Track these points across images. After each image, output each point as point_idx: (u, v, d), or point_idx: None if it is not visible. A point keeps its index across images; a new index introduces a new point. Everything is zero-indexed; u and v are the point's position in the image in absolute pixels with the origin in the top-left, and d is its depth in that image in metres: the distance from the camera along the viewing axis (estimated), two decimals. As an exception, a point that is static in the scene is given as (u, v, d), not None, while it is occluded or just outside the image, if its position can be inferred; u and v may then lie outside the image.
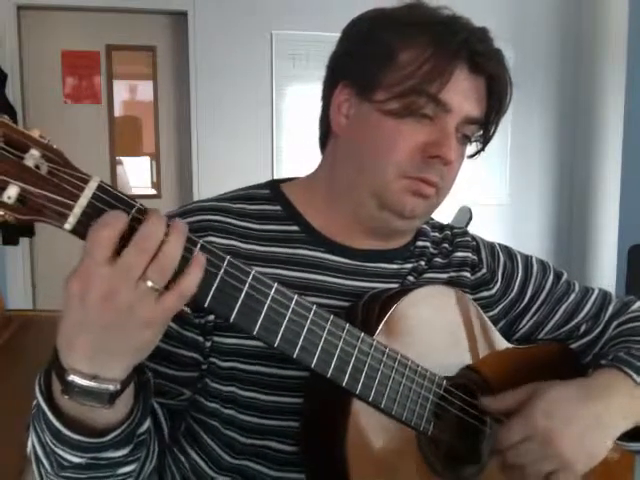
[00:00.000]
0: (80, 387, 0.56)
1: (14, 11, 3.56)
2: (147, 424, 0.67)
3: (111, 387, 0.57)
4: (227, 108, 3.80)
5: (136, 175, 3.99)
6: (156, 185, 3.97)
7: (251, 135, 3.85)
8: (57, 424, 0.60)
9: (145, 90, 3.92)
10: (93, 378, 0.56)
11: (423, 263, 0.89)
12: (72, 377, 0.55)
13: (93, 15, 3.72)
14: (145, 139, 3.97)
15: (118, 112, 3.88)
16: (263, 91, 3.86)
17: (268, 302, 0.62)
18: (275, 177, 0.95)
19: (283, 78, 3.86)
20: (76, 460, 0.62)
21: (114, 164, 3.88)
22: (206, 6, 3.71)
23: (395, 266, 0.87)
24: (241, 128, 3.83)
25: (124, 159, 3.94)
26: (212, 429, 0.81)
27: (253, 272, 0.61)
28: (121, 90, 3.89)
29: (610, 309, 0.96)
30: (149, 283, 0.54)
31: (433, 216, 0.92)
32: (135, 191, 3.98)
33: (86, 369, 0.56)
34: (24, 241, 3.60)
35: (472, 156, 0.86)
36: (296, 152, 3.82)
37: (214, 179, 3.75)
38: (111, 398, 0.57)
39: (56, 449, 0.62)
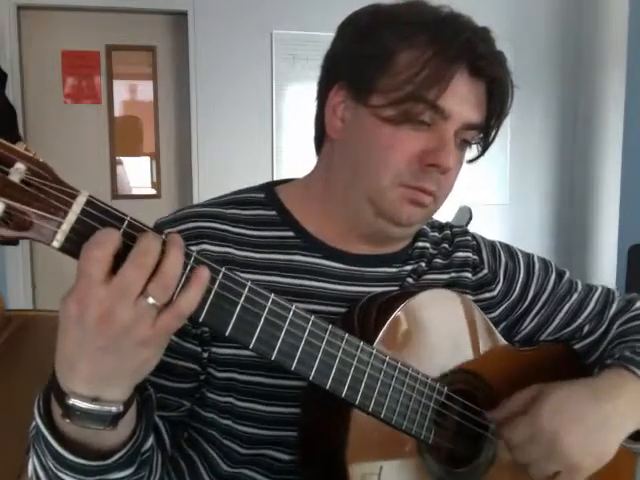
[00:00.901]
0: (81, 410, 0.54)
1: (14, 11, 3.55)
2: (150, 441, 0.66)
3: (114, 409, 0.55)
4: (227, 108, 3.80)
5: (136, 175, 3.98)
6: (156, 185, 3.96)
7: (251, 135, 3.85)
8: (59, 448, 0.58)
9: (145, 90, 3.91)
10: (94, 400, 0.54)
11: (423, 264, 0.87)
12: (73, 401, 0.54)
13: (93, 15, 3.71)
14: (145, 139, 3.96)
15: (118, 112, 3.88)
16: (263, 91, 3.85)
17: (264, 315, 0.61)
18: (275, 177, 0.94)
19: (283, 78, 3.86)
20: None
21: (114, 164, 3.87)
22: (206, 6, 3.71)
23: (394, 269, 0.85)
24: (241, 128, 3.83)
25: (124, 159, 3.93)
26: (211, 438, 0.80)
27: (249, 284, 0.59)
28: (121, 90, 3.89)
29: (613, 307, 0.95)
30: (150, 300, 0.52)
31: (433, 216, 0.90)
32: (135, 191, 3.98)
33: (87, 392, 0.54)
34: (24, 241, 3.59)
35: (471, 161, 0.84)
36: (296, 152, 3.81)
37: (214, 179, 3.74)
38: (114, 420, 0.56)
39: (59, 473, 0.60)
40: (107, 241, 0.51)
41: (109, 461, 0.59)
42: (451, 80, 0.73)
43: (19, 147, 0.51)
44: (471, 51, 0.73)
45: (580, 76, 4.15)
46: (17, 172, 0.50)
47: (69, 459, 0.58)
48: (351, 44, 0.78)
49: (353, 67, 0.77)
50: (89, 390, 0.54)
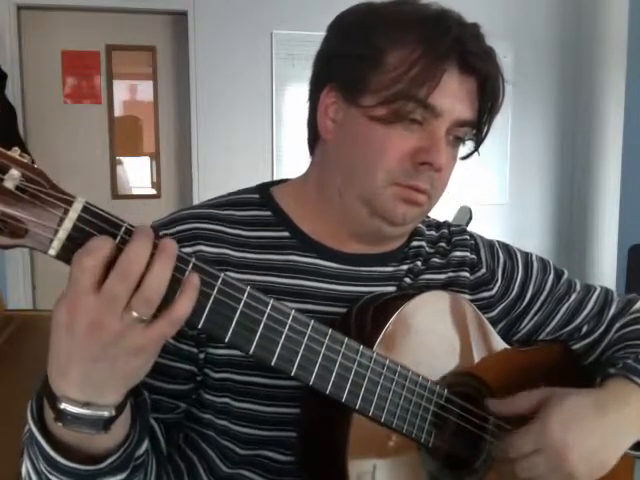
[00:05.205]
0: (72, 415, 0.54)
1: (14, 11, 3.55)
2: (145, 446, 0.65)
3: (106, 413, 0.55)
4: (227, 108, 3.80)
5: (136, 175, 3.98)
6: (156, 185, 3.96)
7: (251, 135, 3.85)
8: (51, 452, 0.57)
9: (145, 90, 3.91)
10: (85, 405, 0.54)
11: (419, 263, 0.87)
12: (64, 405, 0.54)
13: (93, 15, 3.71)
14: (145, 139, 3.96)
15: (118, 112, 3.88)
16: (263, 91, 3.85)
17: (264, 320, 0.60)
18: (275, 177, 0.93)
19: (283, 78, 3.86)
20: None
21: (114, 164, 3.87)
22: (206, 6, 3.71)
23: (390, 269, 0.85)
24: (241, 128, 3.83)
25: (124, 159, 3.93)
26: (209, 438, 0.80)
27: (248, 289, 0.59)
28: (121, 90, 3.89)
29: (612, 308, 0.95)
30: (134, 314, 0.51)
31: (431, 214, 0.89)
32: (135, 191, 3.98)
33: (78, 397, 0.53)
34: (24, 241, 3.60)
35: (465, 158, 0.83)
36: (296, 152, 3.81)
37: (214, 179, 3.75)
38: (106, 424, 0.55)
39: (52, 477, 0.60)
40: (97, 250, 0.50)
41: (102, 465, 0.59)
42: (441, 78, 0.72)
43: (13, 153, 0.49)
44: (460, 48, 0.73)
45: (580, 76, 4.15)
46: (11, 179, 0.48)
47: (62, 463, 0.58)
48: (341, 44, 0.78)
49: (343, 68, 0.76)
50: (80, 395, 0.53)
